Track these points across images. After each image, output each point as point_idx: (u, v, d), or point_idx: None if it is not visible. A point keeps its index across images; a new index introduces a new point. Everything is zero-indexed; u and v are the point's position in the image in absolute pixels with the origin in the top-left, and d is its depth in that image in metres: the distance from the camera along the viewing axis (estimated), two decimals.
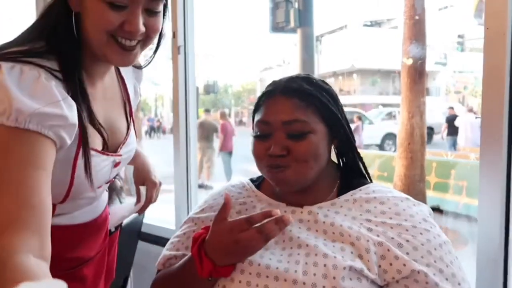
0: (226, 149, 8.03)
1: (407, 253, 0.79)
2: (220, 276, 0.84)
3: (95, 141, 0.90)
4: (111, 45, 0.84)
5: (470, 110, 8.73)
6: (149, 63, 1.07)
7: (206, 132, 7.96)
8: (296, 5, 6.14)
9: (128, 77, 1.09)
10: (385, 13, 18.59)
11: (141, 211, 1.22)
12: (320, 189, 0.93)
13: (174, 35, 2.00)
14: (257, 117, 0.93)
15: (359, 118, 10.47)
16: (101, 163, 0.94)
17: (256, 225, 0.77)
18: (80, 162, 0.87)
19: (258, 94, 1.02)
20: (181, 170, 2.01)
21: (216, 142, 8.13)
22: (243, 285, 0.82)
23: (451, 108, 9.66)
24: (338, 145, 0.95)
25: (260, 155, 0.90)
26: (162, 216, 2.25)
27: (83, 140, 0.86)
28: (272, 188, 0.94)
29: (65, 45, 0.85)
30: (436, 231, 0.83)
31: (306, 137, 0.87)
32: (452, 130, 8.85)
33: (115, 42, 0.84)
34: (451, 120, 8.97)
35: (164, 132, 20.38)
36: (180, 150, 2.01)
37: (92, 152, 0.90)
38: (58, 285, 0.43)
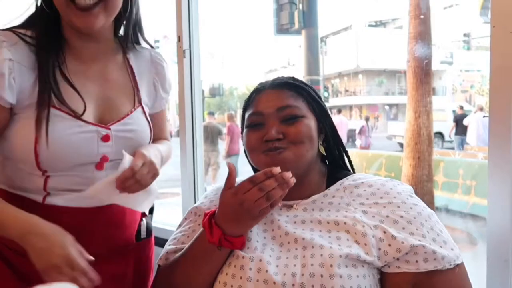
0: (233, 152, 8.00)
1: (403, 228, 0.82)
2: (230, 247, 0.85)
3: (70, 105, 0.94)
4: (70, 8, 0.91)
5: (481, 109, 8.65)
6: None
7: (210, 135, 7.95)
8: (300, 6, 6.15)
9: (141, 69, 1.12)
10: (389, 13, 18.57)
11: (119, 183, 0.94)
12: (311, 182, 0.94)
13: (179, 39, 2.01)
14: (248, 112, 0.95)
15: (367, 120, 10.43)
16: (73, 129, 0.94)
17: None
18: (44, 123, 0.91)
19: None
20: (188, 173, 2.02)
21: (221, 145, 8.12)
22: (244, 280, 0.82)
23: (461, 107, 9.58)
24: (324, 139, 0.97)
25: (255, 144, 0.92)
26: (169, 219, 2.26)
27: (39, 97, 0.92)
28: None
29: (42, 17, 0.97)
30: (422, 204, 0.88)
31: (300, 120, 0.90)
32: (461, 130, 8.79)
33: (72, 3, 0.90)
34: (460, 120, 8.90)
35: (170, 135, 20.40)
36: (187, 153, 2.01)
37: (57, 112, 0.93)
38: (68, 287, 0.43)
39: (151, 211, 1.77)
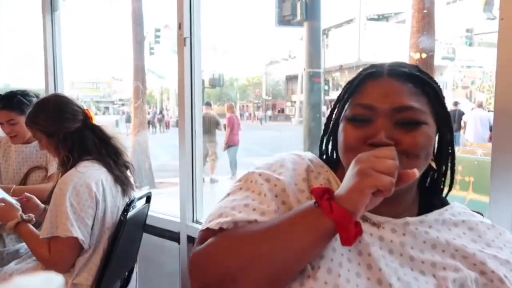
0: (233, 143, 7.98)
1: None
2: (346, 232, 0.62)
3: None
4: None
5: (480, 105, 8.62)
6: None
7: (208, 125, 7.82)
8: None
9: None
10: (392, 7, 18.44)
11: None
12: (405, 201, 0.76)
13: (180, 26, 1.98)
14: (355, 100, 0.74)
15: None
16: None
17: None
18: None
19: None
20: (186, 163, 2.00)
21: (219, 136, 8.06)
22: None
23: (455, 103, 9.51)
24: (436, 153, 0.78)
25: (354, 144, 0.71)
26: (166, 208, 2.25)
27: None
28: None
29: None
30: None
31: (420, 128, 0.70)
32: (456, 126, 8.77)
33: None
34: (453, 116, 8.87)
35: (167, 126, 20.39)
36: (186, 143, 1.99)
37: None
38: (55, 278, 0.41)
39: (148, 200, 1.76)
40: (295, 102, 22.30)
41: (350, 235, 0.62)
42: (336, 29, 19.79)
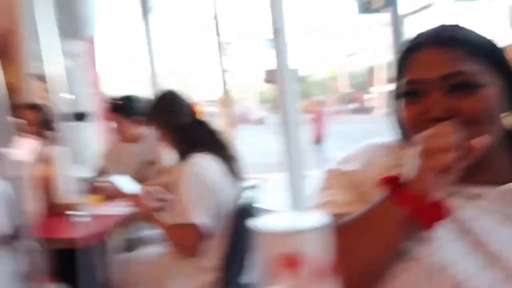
0: (320, 137, 8.10)
1: None
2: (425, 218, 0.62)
3: None
4: None
5: None
6: None
7: None
8: None
9: None
10: None
11: None
12: (497, 163, 0.71)
13: (272, 17, 2.02)
14: (405, 76, 0.72)
15: None
16: None
17: None
18: None
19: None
20: (293, 154, 2.05)
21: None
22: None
23: None
24: None
25: (414, 122, 0.69)
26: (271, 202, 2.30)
27: None
28: None
29: None
30: None
31: (476, 91, 0.66)
32: None
33: None
34: None
35: (249, 122, 20.72)
36: (291, 138, 2.02)
37: None
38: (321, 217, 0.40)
39: (255, 189, 1.80)
40: (378, 93, 21.59)
41: (428, 219, 0.62)
42: (413, 15, 18.86)
